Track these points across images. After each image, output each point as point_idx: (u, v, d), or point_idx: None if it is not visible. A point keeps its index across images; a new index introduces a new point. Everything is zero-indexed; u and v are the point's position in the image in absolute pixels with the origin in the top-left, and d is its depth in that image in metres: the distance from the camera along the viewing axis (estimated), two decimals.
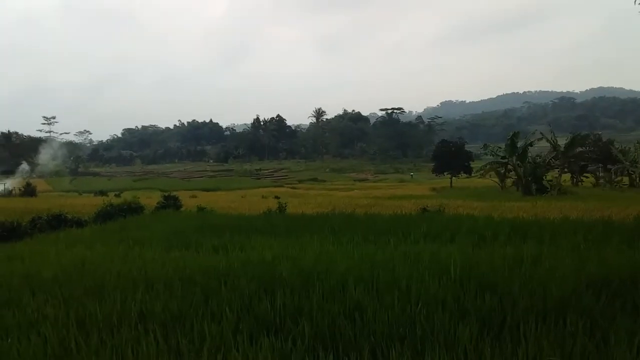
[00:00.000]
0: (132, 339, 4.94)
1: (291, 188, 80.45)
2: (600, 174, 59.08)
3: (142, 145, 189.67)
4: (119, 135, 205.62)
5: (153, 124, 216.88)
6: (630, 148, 56.81)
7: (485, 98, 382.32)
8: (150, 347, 4.67)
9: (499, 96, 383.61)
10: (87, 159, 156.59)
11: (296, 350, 4.43)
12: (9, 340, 5.01)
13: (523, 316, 5.07)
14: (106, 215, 19.85)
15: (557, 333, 4.62)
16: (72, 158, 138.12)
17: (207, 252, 10.26)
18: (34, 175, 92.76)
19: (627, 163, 52.16)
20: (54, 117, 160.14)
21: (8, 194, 56.13)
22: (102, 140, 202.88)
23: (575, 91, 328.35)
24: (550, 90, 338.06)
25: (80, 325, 5.47)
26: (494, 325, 4.97)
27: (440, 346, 4.38)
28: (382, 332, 4.77)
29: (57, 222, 17.78)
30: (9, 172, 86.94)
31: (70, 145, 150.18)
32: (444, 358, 4.08)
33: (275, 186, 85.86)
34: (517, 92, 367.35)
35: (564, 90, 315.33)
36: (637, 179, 50.29)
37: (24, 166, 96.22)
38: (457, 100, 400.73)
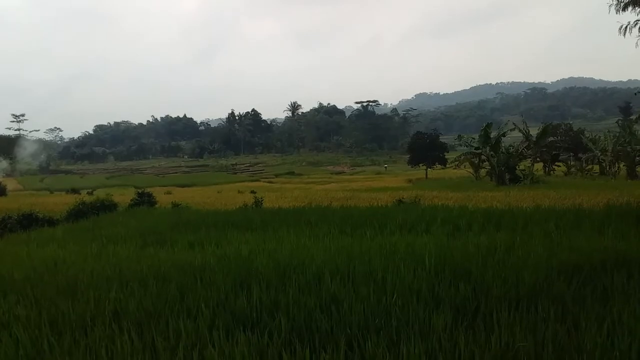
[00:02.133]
0: (106, 338, 4.87)
1: (268, 182, 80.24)
2: (572, 163, 60.27)
3: (114, 142, 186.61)
4: (91, 132, 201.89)
5: (125, 120, 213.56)
6: (600, 137, 57.99)
7: (459, 89, 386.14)
8: (125, 345, 4.61)
9: (472, 87, 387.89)
10: (58, 156, 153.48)
11: (273, 345, 4.43)
12: None
13: (496, 304, 5.16)
14: (78, 213, 19.50)
15: (530, 319, 4.71)
16: (42, 156, 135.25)
17: (183, 248, 10.18)
18: (3, 174, 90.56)
19: (598, 152, 53.26)
20: (23, 115, 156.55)
21: None
22: (73, 138, 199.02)
23: (547, 82, 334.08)
24: (522, 81, 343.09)
25: (53, 326, 5.38)
26: (467, 314, 5.05)
27: (416, 335, 4.42)
28: (358, 324, 4.80)
29: (28, 221, 17.41)
30: None
31: (40, 142, 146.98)
32: (419, 347, 4.11)
33: (251, 181, 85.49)
34: (490, 83, 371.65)
35: (536, 81, 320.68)
36: (607, 167, 51.41)
37: (3, 163, 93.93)
38: (431, 92, 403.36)
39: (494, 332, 4.34)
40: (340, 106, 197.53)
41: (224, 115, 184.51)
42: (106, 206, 21.06)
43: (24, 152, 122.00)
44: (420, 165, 74.94)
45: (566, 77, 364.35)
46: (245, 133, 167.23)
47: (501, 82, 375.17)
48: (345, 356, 4.15)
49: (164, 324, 5.14)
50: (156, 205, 23.86)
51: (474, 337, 4.36)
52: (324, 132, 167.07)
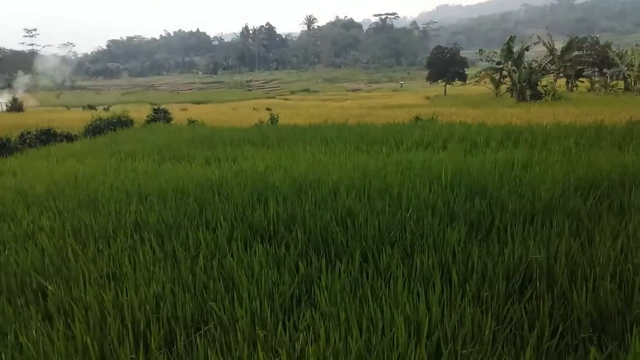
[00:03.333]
0: (128, 248, 5.04)
1: (283, 99, 79.37)
2: (596, 79, 58.42)
3: (128, 58, 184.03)
4: (104, 48, 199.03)
5: (138, 35, 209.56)
6: (627, 51, 55.75)
7: (483, 1, 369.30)
8: (147, 254, 4.77)
9: None
10: (72, 72, 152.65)
11: (289, 255, 4.54)
12: (6, 251, 5.10)
13: (511, 218, 5.18)
14: (96, 129, 19.65)
15: (544, 234, 4.74)
16: (60, 72, 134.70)
17: (200, 164, 10.27)
18: (25, 90, 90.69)
19: (624, 67, 51.39)
20: (35, 29, 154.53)
21: None
22: (86, 53, 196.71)
23: None
24: None
25: (77, 236, 5.57)
26: (482, 228, 5.09)
27: (429, 248, 4.50)
28: (373, 237, 4.88)
29: (47, 137, 17.59)
30: None
31: (60, 58, 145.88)
32: (432, 258, 4.19)
33: (266, 98, 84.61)
34: None
35: None
36: (632, 82, 49.80)
37: (23, 79, 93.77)
38: (453, 4, 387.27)
39: (507, 246, 4.39)
40: (357, 19, 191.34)
41: (237, 29, 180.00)
42: (123, 122, 21.15)
43: (44, 67, 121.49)
44: (439, 81, 73.25)
45: None
46: (259, 48, 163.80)
47: None
48: (360, 267, 4.25)
49: (184, 235, 5.28)
50: (172, 122, 23.91)
51: (488, 250, 4.41)
52: (340, 47, 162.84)
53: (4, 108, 53.06)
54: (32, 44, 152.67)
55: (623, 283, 3.72)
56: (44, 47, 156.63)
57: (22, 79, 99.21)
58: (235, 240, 5.01)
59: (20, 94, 72.14)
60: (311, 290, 3.95)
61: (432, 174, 7.35)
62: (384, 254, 4.37)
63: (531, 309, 3.50)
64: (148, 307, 3.71)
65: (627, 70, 50.49)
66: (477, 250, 4.32)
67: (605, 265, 3.98)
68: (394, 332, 3.18)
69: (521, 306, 3.51)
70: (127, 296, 3.81)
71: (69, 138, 17.98)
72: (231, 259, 4.47)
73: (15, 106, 49.78)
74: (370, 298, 3.57)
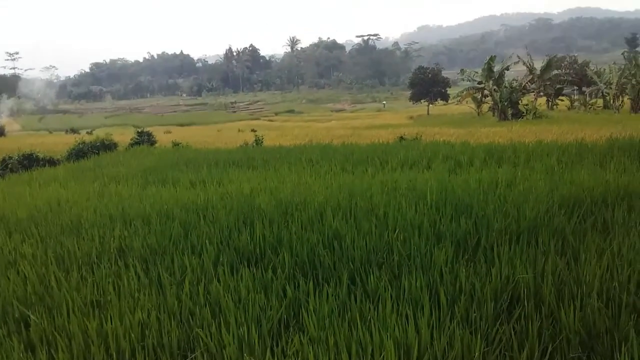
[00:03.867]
0: (112, 274, 4.96)
1: (268, 121, 79.67)
2: (575, 97, 59.41)
3: (111, 80, 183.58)
4: (87, 71, 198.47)
5: (121, 57, 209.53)
6: (605, 69, 56.92)
7: (463, 22, 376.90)
8: (132, 281, 4.70)
9: (476, 19, 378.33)
10: (55, 95, 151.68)
11: (276, 279, 4.50)
12: None
13: (497, 238, 5.20)
14: (79, 153, 19.48)
15: (530, 253, 4.76)
16: (39, 95, 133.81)
17: (185, 187, 10.20)
18: (9, 113, 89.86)
19: (602, 85, 52.42)
20: (17, 53, 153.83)
21: None
22: (69, 76, 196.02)
23: (553, 12, 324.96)
24: (527, 11, 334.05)
25: (60, 263, 5.47)
26: (468, 248, 5.10)
27: (417, 269, 4.49)
28: (360, 259, 4.86)
29: (29, 161, 17.41)
30: None
31: (38, 81, 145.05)
32: (420, 280, 4.18)
33: (251, 119, 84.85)
34: (495, 15, 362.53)
35: (542, 12, 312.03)
36: (611, 100, 50.77)
37: (5, 103, 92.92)
38: (434, 25, 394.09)
39: (494, 265, 4.40)
40: (340, 41, 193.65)
41: (221, 51, 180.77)
42: (106, 146, 21.01)
43: (26, 91, 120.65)
44: (422, 101, 74.06)
45: (572, 7, 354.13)
46: (243, 70, 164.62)
47: (506, 13, 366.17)
48: (348, 290, 4.22)
49: (169, 260, 5.22)
50: (156, 145, 23.80)
51: (475, 270, 4.42)
52: (323, 68, 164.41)
53: None
54: (14, 68, 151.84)
55: (610, 301, 3.74)
56: (26, 70, 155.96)
57: (3, 103, 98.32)
58: (222, 264, 4.96)
59: (2, 119, 71.49)
60: (299, 315, 3.91)
61: (418, 194, 7.38)
62: (371, 276, 4.35)
63: (520, 329, 3.50)
64: (133, 335, 3.63)
65: (605, 88, 51.48)
66: (464, 270, 4.32)
67: (592, 283, 4.00)
68: (383, 356, 3.15)
69: (510, 326, 3.51)
70: (111, 324, 3.73)
71: (52, 162, 17.80)
72: (217, 283, 4.41)
73: None
74: (359, 321, 3.54)
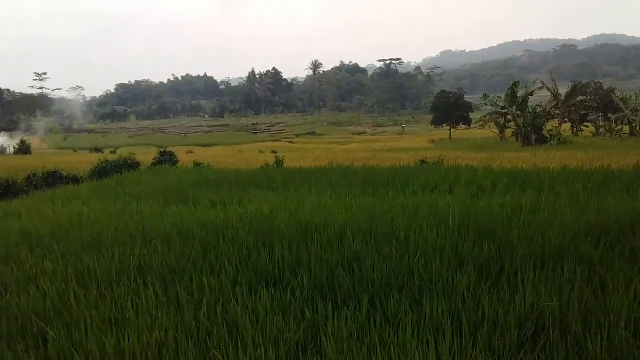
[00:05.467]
0: (131, 292, 4.95)
1: (289, 142, 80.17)
2: (601, 123, 58.69)
3: (136, 101, 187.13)
4: (112, 91, 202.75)
5: (146, 79, 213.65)
6: (631, 96, 56.20)
7: (486, 47, 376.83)
8: (150, 299, 4.68)
9: (499, 45, 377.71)
10: (81, 115, 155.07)
11: (295, 301, 4.44)
12: (8, 295, 5.02)
13: (521, 264, 5.08)
14: (102, 171, 19.77)
15: (555, 280, 4.63)
16: (66, 115, 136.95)
17: (205, 207, 10.24)
18: (28, 133, 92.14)
19: (628, 111, 51.72)
20: (45, 73, 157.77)
21: (3, 151, 55.89)
22: (95, 96, 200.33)
23: (577, 38, 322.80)
24: (551, 38, 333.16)
25: (79, 280, 5.49)
26: (492, 274, 4.98)
27: (439, 294, 4.39)
28: (380, 282, 4.78)
29: (53, 179, 17.71)
30: (4, 130, 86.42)
31: (63, 101, 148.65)
32: (441, 305, 4.08)
33: (272, 141, 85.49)
34: (519, 40, 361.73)
35: (566, 38, 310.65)
36: (638, 127, 50.03)
37: (32, 122, 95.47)
38: (457, 50, 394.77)
39: (518, 292, 4.28)
40: (362, 65, 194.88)
41: (244, 74, 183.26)
42: (129, 165, 21.30)
43: (53, 111, 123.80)
44: (444, 125, 73.88)
45: (598, 33, 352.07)
46: (265, 92, 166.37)
47: (530, 40, 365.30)
48: (367, 313, 4.14)
49: (187, 279, 5.19)
50: (178, 165, 24.06)
51: (498, 296, 4.30)
52: (345, 91, 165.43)
53: (12, 150, 53.74)
54: (41, 87, 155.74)
55: (638, 331, 3.60)
56: (53, 90, 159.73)
57: (31, 122, 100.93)
58: (240, 285, 4.92)
59: (28, 137, 73.20)
60: (317, 337, 3.84)
61: (439, 218, 7.27)
62: (392, 300, 4.27)
63: (545, 358, 3.38)
64: (150, 354, 3.61)
65: (631, 115, 50.80)
66: (487, 296, 4.21)
67: (620, 312, 3.86)
68: None
69: (535, 355, 3.39)
70: (129, 342, 3.71)
71: (75, 180, 18.09)
72: (235, 304, 4.37)
73: (23, 149, 50.39)
74: (378, 346, 3.46)
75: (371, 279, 4.86)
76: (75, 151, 64.83)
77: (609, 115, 56.19)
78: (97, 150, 56.57)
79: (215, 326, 4.02)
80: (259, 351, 3.48)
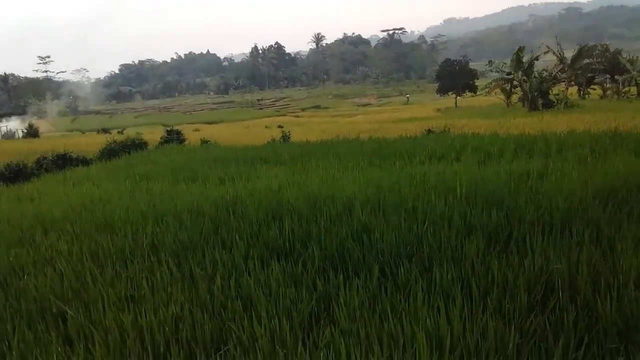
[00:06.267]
0: (146, 270, 5.05)
1: (294, 117, 79.87)
2: (608, 85, 57.91)
3: (140, 81, 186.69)
4: (116, 72, 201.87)
5: (150, 58, 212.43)
6: (638, 57, 55.27)
7: (490, 13, 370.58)
8: (165, 275, 4.78)
9: (503, 10, 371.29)
10: (86, 97, 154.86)
11: (306, 273, 4.52)
12: (25, 277, 5.14)
13: (529, 229, 5.11)
14: (111, 152, 19.88)
15: (564, 243, 4.66)
16: (71, 97, 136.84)
17: (214, 183, 10.31)
18: (37, 117, 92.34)
19: (635, 72, 50.93)
20: (48, 57, 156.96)
21: (11, 136, 56.16)
22: (99, 78, 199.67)
23: (583, 1, 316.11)
24: (556, 1, 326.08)
25: (94, 259, 5.59)
26: (500, 240, 5.03)
27: (448, 261, 4.44)
28: (390, 252, 4.84)
29: (63, 161, 17.84)
30: (10, 114, 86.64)
31: (69, 84, 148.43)
32: (451, 272, 4.14)
33: (278, 115, 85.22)
34: (523, 5, 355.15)
35: (571, 1, 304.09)
36: None
37: (38, 105, 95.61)
38: (460, 17, 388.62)
39: (527, 257, 4.32)
40: (365, 36, 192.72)
41: (247, 49, 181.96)
42: (137, 144, 21.38)
43: (59, 93, 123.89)
44: (450, 93, 73.22)
45: None
46: (269, 67, 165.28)
47: (534, 3, 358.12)
48: (378, 282, 4.21)
49: (200, 255, 5.28)
50: (185, 143, 24.12)
51: (507, 261, 4.35)
52: (349, 63, 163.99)
53: (21, 134, 54.00)
54: (46, 71, 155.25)
55: None
56: (57, 73, 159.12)
57: (37, 105, 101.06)
58: (252, 258, 5.00)
59: (35, 120, 73.39)
60: (330, 307, 3.92)
61: (447, 187, 7.29)
62: (402, 268, 4.33)
63: (555, 320, 3.43)
64: (167, 329, 3.70)
65: (639, 76, 50.06)
66: (496, 262, 4.26)
67: (628, 273, 3.90)
68: (415, 348, 3.13)
69: (545, 318, 3.45)
70: (146, 318, 3.80)
71: (85, 162, 18.20)
72: (248, 277, 4.46)
73: (31, 132, 50.61)
74: (390, 314, 3.53)
75: (381, 249, 4.91)
76: (83, 133, 64.98)
77: (616, 77, 55.38)
78: (105, 131, 56.78)
79: (229, 299, 4.10)
80: (273, 322, 3.56)
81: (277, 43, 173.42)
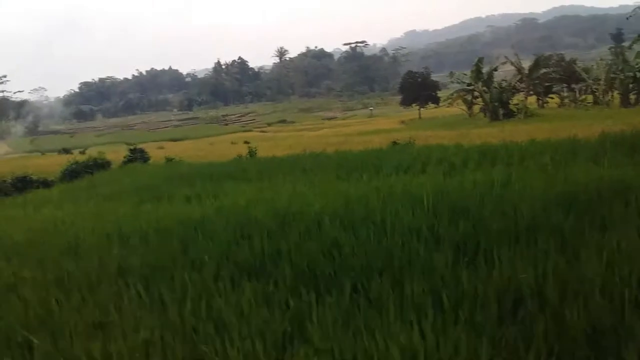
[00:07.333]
0: (113, 294, 4.92)
1: (260, 132, 79.76)
2: (565, 94, 59.83)
3: (101, 99, 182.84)
4: (76, 90, 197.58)
5: (110, 76, 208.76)
6: (593, 66, 57.38)
7: (449, 25, 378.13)
8: (133, 300, 4.67)
9: (462, 22, 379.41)
10: (45, 116, 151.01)
11: (278, 291, 4.49)
12: None
13: (496, 239, 5.20)
14: (72, 173, 19.45)
15: (530, 252, 4.76)
16: (30, 117, 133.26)
17: (180, 202, 10.19)
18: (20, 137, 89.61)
19: (591, 81, 52.83)
20: (5, 76, 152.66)
21: None
22: (59, 97, 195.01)
23: (538, 11, 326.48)
24: (512, 12, 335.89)
25: (60, 285, 5.43)
26: (468, 251, 5.10)
27: (418, 274, 4.48)
28: (360, 266, 4.85)
29: (23, 184, 17.37)
30: None
31: (27, 104, 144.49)
32: (422, 285, 4.17)
33: (244, 131, 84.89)
34: (480, 17, 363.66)
35: (527, 12, 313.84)
36: (601, 96, 51.17)
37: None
38: (421, 30, 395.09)
39: (495, 267, 4.40)
40: (328, 49, 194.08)
41: (210, 65, 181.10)
42: (99, 165, 20.98)
43: (16, 114, 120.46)
44: (413, 105, 74.39)
45: (557, 5, 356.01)
46: (233, 82, 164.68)
47: (491, 15, 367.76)
48: (350, 298, 4.21)
49: (169, 277, 5.18)
50: (149, 161, 23.79)
51: (476, 272, 4.41)
52: (313, 76, 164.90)
53: None
54: (2, 91, 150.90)
55: (613, 297, 3.74)
56: (15, 93, 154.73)
57: (18, 127, 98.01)
58: (222, 279, 4.93)
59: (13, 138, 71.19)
60: (303, 326, 3.89)
61: (414, 198, 7.36)
62: (373, 283, 4.35)
63: (524, 329, 3.49)
64: (138, 355, 3.61)
65: (594, 84, 51.90)
66: (466, 273, 4.32)
67: (594, 280, 4.00)
68: None
69: (516, 328, 3.50)
70: (115, 345, 3.71)
71: (46, 184, 17.77)
72: (219, 298, 4.40)
73: None
74: (363, 330, 3.53)
75: (351, 264, 4.92)
76: (43, 154, 63.33)
77: (573, 85, 57.31)
78: (66, 151, 55.33)
79: (201, 322, 4.03)
80: (245, 343, 3.51)
81: (240, 58, 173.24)
